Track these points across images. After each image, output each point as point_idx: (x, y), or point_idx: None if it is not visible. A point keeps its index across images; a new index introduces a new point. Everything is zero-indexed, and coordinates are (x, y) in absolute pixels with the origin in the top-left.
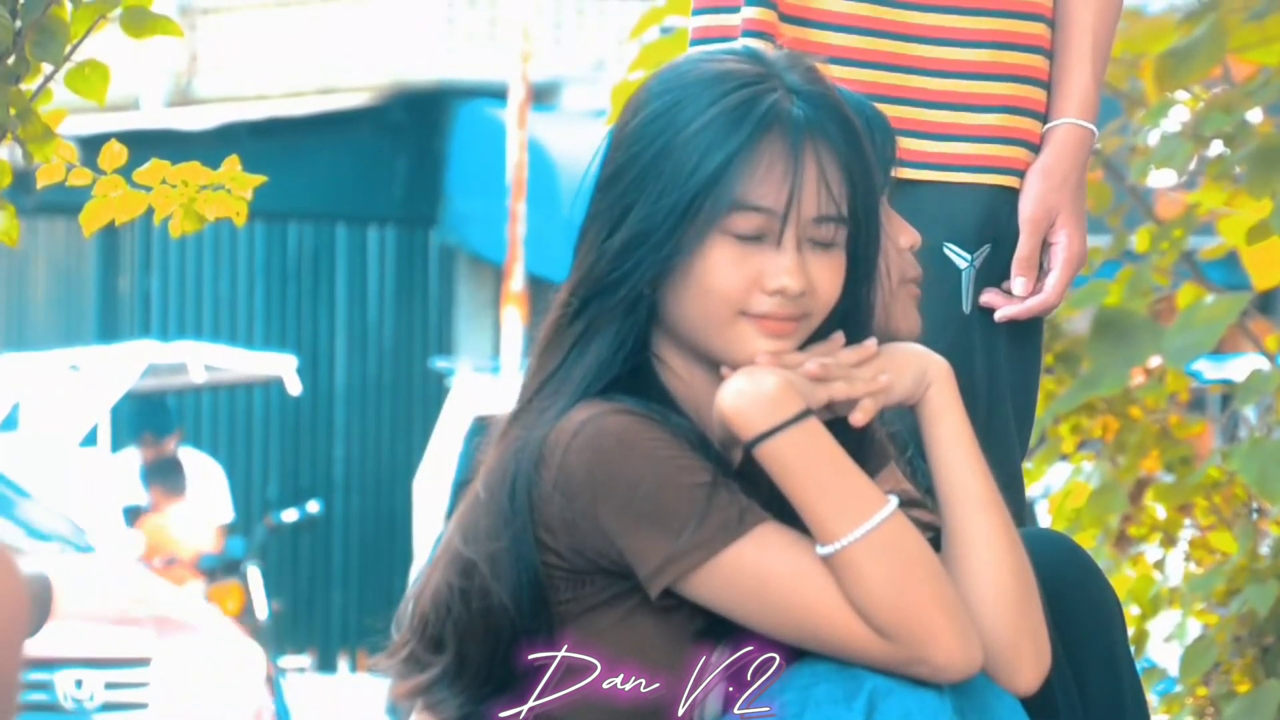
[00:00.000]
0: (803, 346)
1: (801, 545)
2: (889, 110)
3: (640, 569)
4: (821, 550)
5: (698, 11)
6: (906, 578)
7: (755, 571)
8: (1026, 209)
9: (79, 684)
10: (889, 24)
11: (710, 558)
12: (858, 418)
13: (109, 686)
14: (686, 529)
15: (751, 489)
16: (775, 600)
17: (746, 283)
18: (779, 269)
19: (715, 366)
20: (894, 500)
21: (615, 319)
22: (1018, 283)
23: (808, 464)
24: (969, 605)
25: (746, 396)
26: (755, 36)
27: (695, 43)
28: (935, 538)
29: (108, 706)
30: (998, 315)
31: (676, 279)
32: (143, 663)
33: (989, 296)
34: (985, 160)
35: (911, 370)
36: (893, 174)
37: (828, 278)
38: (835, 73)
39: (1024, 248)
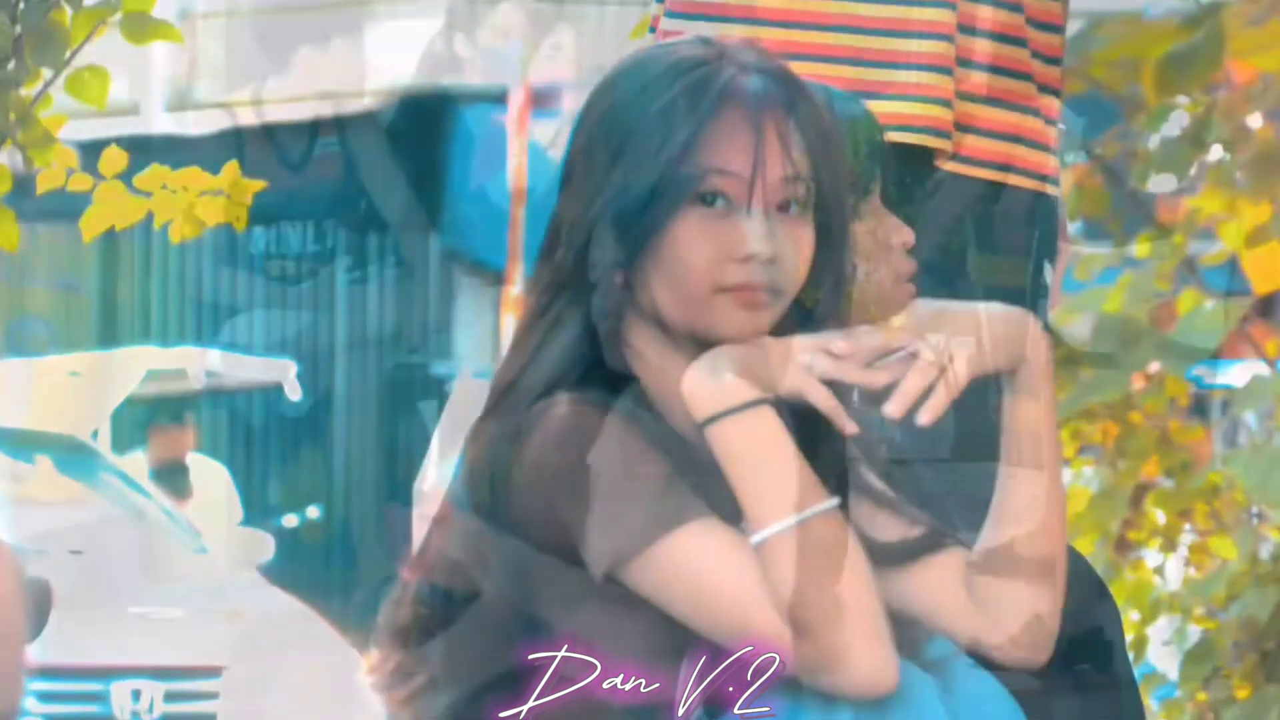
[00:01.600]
0: (783, 331)
1: (739, 540)
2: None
3: (586, 557)
4: (753, 539)
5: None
6: (825, 577)
7: (688, 563)
8: None
9: (136, 695)
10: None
11: (645, 547)
12: (940, 399)
13: (169, 699)
14: (626, 519)
15: (716, 480)
16: (706, 592)
17: (719, 254)
18: (749, 234)
19: (695, 354)
20: (833, 500)
21: (583, 311)
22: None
23: (749, 450)
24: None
25: (699, 378)
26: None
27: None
28: (909, 550)
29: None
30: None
31: (650, 263)
32: (213, 672)
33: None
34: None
35: (1010, 334)
36: (883, 170)
37: (795, 248)
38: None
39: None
